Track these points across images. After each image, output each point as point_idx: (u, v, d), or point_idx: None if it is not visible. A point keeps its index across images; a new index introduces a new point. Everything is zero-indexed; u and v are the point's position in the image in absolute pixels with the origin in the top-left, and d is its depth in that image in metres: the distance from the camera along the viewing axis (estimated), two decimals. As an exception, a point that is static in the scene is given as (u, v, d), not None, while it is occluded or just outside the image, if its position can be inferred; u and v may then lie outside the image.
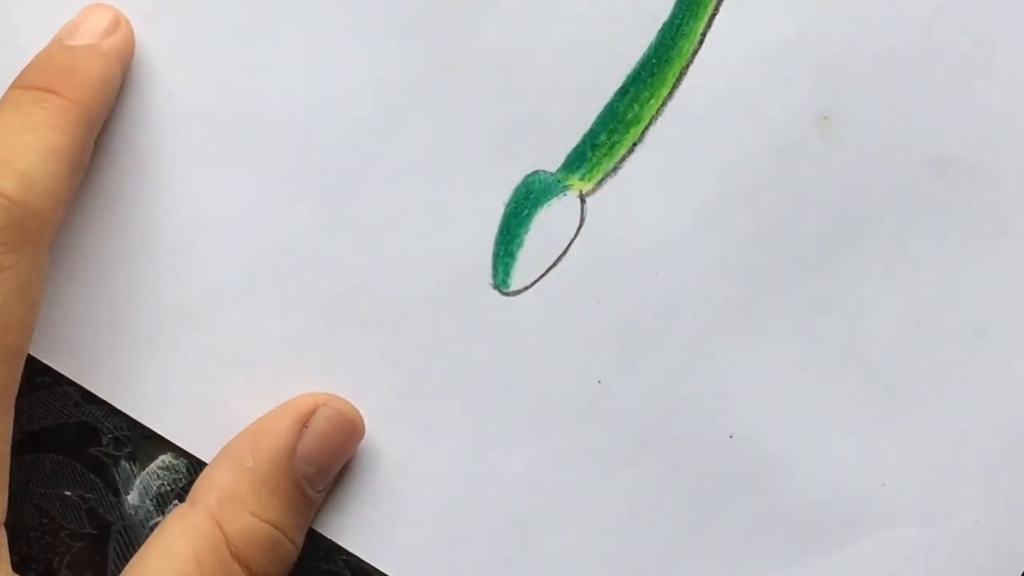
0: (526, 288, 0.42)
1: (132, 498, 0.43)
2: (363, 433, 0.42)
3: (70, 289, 0.42)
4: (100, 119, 0.40)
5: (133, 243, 0.42)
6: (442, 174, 0.42)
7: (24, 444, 0.43)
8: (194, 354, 0.42)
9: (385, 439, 0.43)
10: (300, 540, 0.41)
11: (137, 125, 0.42)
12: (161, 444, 0.43)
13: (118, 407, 0.42)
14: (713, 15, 0.41)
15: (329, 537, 0.43)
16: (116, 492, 0.43)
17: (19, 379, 0.38)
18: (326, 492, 0.42)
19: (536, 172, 0.42)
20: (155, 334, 0.42)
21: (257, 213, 0.42)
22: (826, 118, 0.41)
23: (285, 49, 0.41)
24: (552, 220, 0.42)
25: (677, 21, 0.41)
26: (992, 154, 0.41)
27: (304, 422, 0.41)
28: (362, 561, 0.43)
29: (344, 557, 0.43)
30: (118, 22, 0.41)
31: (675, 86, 0.41)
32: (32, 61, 0.40)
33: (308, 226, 0.42)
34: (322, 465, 0.41)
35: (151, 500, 0.43)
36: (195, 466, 0.43)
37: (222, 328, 0.42)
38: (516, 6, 0.41)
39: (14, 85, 0.39)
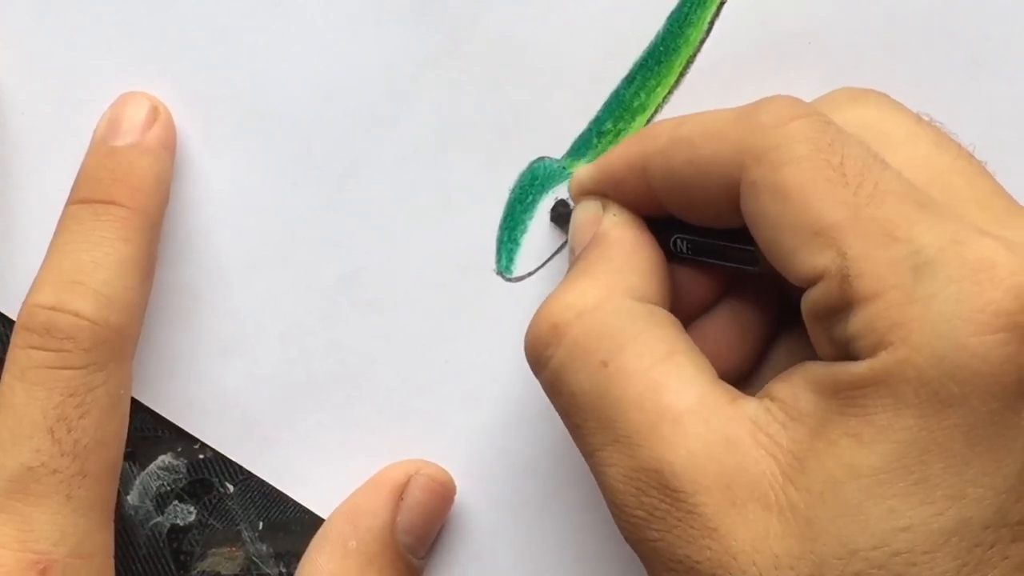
0: (529, 274, 0.42)
1: (132, 498, 0.43)
2: (455, 492, 0.42)
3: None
4: (161, 218, 0.40)
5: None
6: (447, 159, 0.42)
7: (22, 439, 0.43)
8: (195, 336, 0.42)
9: (385, 424, 0.42)
10: None
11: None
12: (161, 445, 0.43)
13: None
14: (722, 3, 0.41)
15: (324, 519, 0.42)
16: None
17: (116, 490, 0.39)
18: (428, 556, 0.42)
19: (541, 158, 0.42)
20: (156, 316, 0.42)
21: (261, 196, 0.42)
22: (833, 107, 0.41)
23: (291, 33, 0.42)
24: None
25: (685, 9, 0.41)
26: (996, 148, 0.40)
27: (399, 494, 0.41)
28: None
29: (343, 554, 0.42)
30: (157, 110, 0.41)
31: (682, 74, 0.41)
32: (82, 170, 0.40)
33: (311, 209, 0.42)
34: (422, 534, 0.41)
35: (151, 500, 0.43)
36: (194, 467, 0.43)
37: (224, 311, 0.42)
38: (523, -8, 0.41)
39: (71, 200, 0.39)
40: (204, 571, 0.43)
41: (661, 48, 0.41)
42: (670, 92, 0.41)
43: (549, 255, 0.42)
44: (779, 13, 0.41)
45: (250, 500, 0.43)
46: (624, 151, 0.36)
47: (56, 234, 0.39)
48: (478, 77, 0.41)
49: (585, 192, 0.38)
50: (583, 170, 0.38)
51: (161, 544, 0.43)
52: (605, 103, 0.41)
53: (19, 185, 0.41)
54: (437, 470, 0.42)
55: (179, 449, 0.43)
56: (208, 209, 0.42)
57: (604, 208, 0.37)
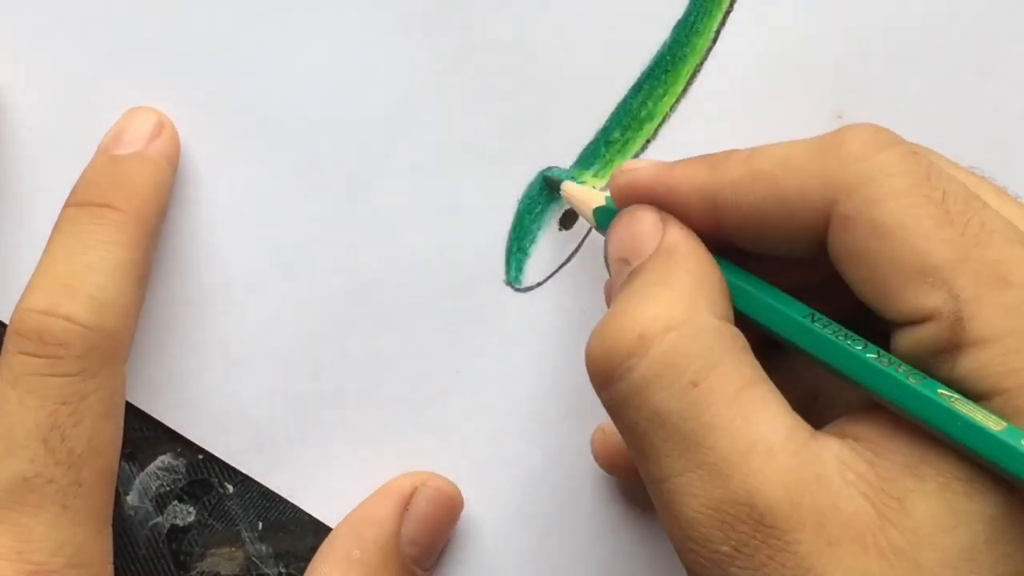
0: (539, 284, 0.42)
1: (131, 499, 0.43)
2: (462, 506, 0.42)
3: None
4: (158, 226, 0.40)
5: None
6: (455, 169, 0.42)
7: (24, 444, 0.42)
8: (205, 348, 0.42)
9: (396, 435, 0.43)
10: None
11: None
12: (160, 445, 0.43)
13: (128, 400, 0.42)
14: (728, 12, 0.41)
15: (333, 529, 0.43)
16: (115, 493, 0.42)
17: (113, 498, 0.38)
18: (433, 568, 0.42)
19: (550, 168, 0.42)
20: (166, 328, 0.42)
21: (269, 207, 0.42)
22: (840, 116, 0.41)
23: (299, 43, 0.41)
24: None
25: (692, 18, 0.41)
26: (1006, 154, 0.41)
27: (405, 505, 0.41)
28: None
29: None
30: (162, 124, 0.40)
31: (689, 83, 0.42)
32: (82, 176, 0.39)
33: (320, 220, 0.42)
34: (427, 545, 0.41)
35: (150, 501, 0.43)
36: (194, 467, 0.43)
37: (233, 322, 0.42)
38: (531, 2, 0.41)
39: (68, 203, 0.39)
40: (204, 571, 0.43)
41: (668, 57, 0.41)
42: (677, 101, 0.42)
43: (558, 265, 0.42)
44: (785, 22, 0.41)
45: (250, 500, 0.43)
46: (691, 176, 0.35)
47: (51, 236, 0.38)
48: (486, 87, 0.41)
49: (635, 195, 0.36)
50: (639, 173, 0.36)
51: (161, 544, 0.43)
52: (612, 112, 0.42)
53: (24, 198, 0.41)
54: (444, 482, 0.42)
55: (178, 449, 0.43)
56: (217, 221, 0.42)
57: (664, 220, 0.35)
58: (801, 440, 0.31)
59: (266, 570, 0.43)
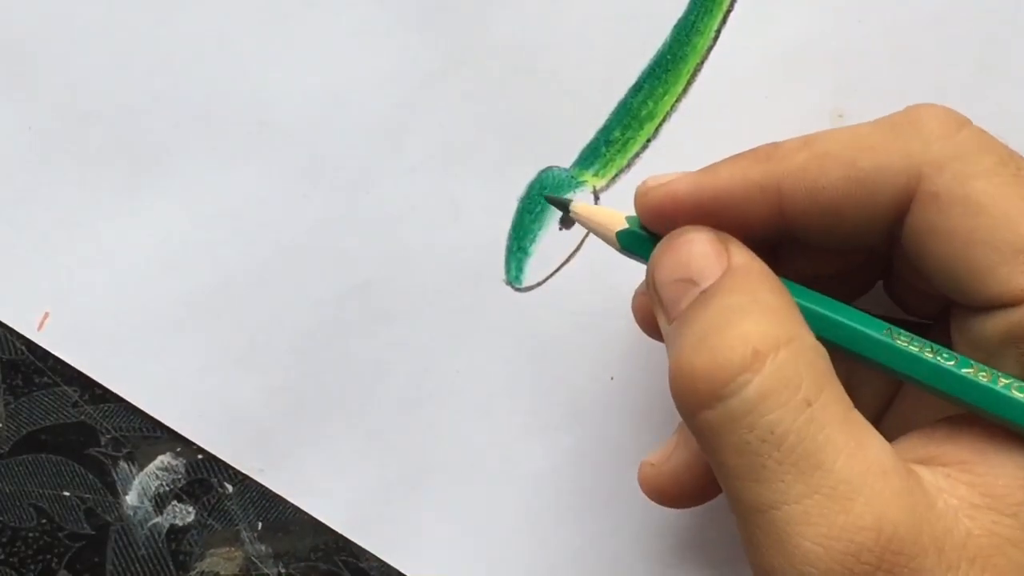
0: (539, 284, 0.42)
1: (131, 499, 0.43)
2: None
3: (81, 281, 0.42)
4: None
5: (145, 236, 0.42)
6: (456, 169, 0.42)
7: (23, 444, 0.42)
8: (205, 348, 0.42)
9: (396, 434, 0.42)
10: None
11: (152, 118, 0.41)
12: (160, 445, 0.43)
13: (128, 400, 0.42)
14: (728, 12, 0.41)
15: (340, 532, 0.42)
16: (115, 493, 0.42)
17: None
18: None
19: (550, 168, 0.42)
20: (166, 328, 0.42)
21: (270, 207, 0.42)
22: (840, 115, 0.41)
23: (299, 45, 0.41)
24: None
25: (692, 18, 0.41)
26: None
27: None
28: (360, 561, 0.43)
29: (343, 557, 0.43)
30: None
31: (689, 83, 0.42)
32: None
33: (321, 221, 0.42)
34: None
35: (150, 500, 0.43)
36: (194, 467, 0.43)
37: (235, 323, 0.42)
38: (531, 2, 0.41)
39: None
40: (203, 571, 0.43)
41: (668, 56, 0.41)
42: (678, 100, 0.42)
43: (558, 265, 0.42)
44: (785, 21, 0.41)
45: (249, 500, 0.43)
46: (744, 172, 0.33)
47: None
48: (486, 87, 0.41)
49: (675, 209, 0.34)
50: (676, 185, 0.34)
51: (160, 544, 0.43)
52: (613, 112, 0.42)
53: (23, 198, 0.41)
54: None
55: (178, 449, 0.43)
56: (219, 222, 0.42)
57: (723, 240, 0.33)
58: (905, 465, 0.30)
59: (265, 570, 0.43)
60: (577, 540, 0.43)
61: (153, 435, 0.43)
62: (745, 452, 0.30)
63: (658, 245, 0.34)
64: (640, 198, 0.34)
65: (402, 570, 0.43)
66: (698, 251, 0.33)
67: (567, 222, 0.42)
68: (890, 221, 0.32)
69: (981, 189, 0.30)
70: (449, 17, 0.41)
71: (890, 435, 0.31)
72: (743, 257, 0.32)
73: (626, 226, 0.35)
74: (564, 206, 0.37)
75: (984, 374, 0.30)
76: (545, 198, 0.41)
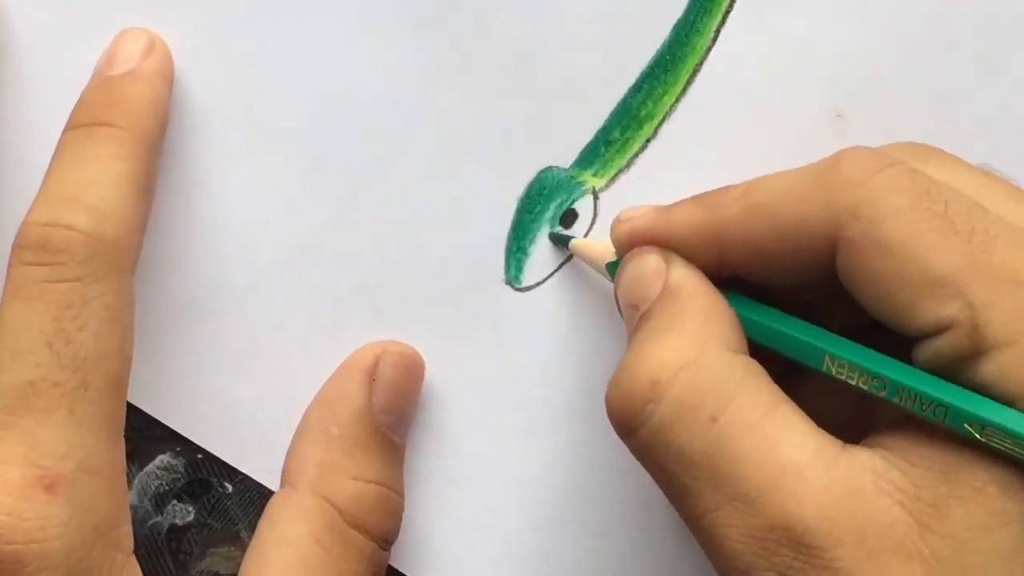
0: (538, 284, 0.42)
1: (131, 498, 0.43)
2: (424, 368, 0.42)
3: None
4: (158, 141, 0.40)
5: (145, 238, 0.42)
6: (455, 170, 0.42)
7: (23, 444, 0.42)
8: (205, 349, 0.42)
9: (396, 436, 0.42)
10: (402, 489, 0.41)
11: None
12: (160, 444, 0.43)
13: (127, 400, 0.42)
14: (727, 12, 0.41)
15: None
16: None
17: (124, 409, 0.38)
18: (406, 436, 0.42)
19: (549, 168, 0.42)
20: (166, 328, 0.42)
21: (270, 209, 0.42)
22: (840, 116, 0.41)
23: (300, 45, 0.41)
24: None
25: (691, 18, 0.41)
26: (1005, 154, 0.41)
27: (371, 375, 0.41)
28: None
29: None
30: (152, 43, 0.40)
31: (689, 83, 0.42)
32: (78, 100, 0.39)
33: (320, 221, 0.42)
34: (399, 411, 0.41)
35: (150, 500, 0.43)
36: (193, 466, 0.43)
37: (233, 322, 0.42)
38: (530, 2, 0.41)
39: (66, 128, 0.39)
40: (203, 571, 0.43)
41: (667, 57, 0.41)
42: (677, 101, 0.42)
43: (558, 265, 0.42)
44: (785, 21, 0.41)
45: (249, 500, 0.43)
46: (689, 219, 0.36)
47: (52, 159, 0.38)
48: (485, 87, 0.41)
49: (637, 243, 0.37)
50: (637, 221, 0.37)
51: (160, 544, 0.43)
52: (612, 112, 0.42)
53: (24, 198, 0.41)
54: (404, 347, 0.42)
55: (178, 449, 0.43)
56: (217, 220, 0.42)
57: (667, 261, 0.36)
58: (831, 455, 0.32)
59: (266, 569, 0.43)
60: (577, 540, 0.43)
61: (153, 435, 0.43)
62: (665, 474, 0.33)
63: (617, 269, 0.37)
64: (612, 231, 0.37)
65: (402, 570, 0.43)
66: (641, 273, 0.36)
67: (567, 222, 0.42)
68: (822, 267, 0.33)
69: (892, 229, 0.32)
70: (449, 18, 0.41)
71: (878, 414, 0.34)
72: (678, 275, 0.35)
73: (615, 259, 0.38)
74: (565, 243, 0.41)
75: (911, 373, 0.32)
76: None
